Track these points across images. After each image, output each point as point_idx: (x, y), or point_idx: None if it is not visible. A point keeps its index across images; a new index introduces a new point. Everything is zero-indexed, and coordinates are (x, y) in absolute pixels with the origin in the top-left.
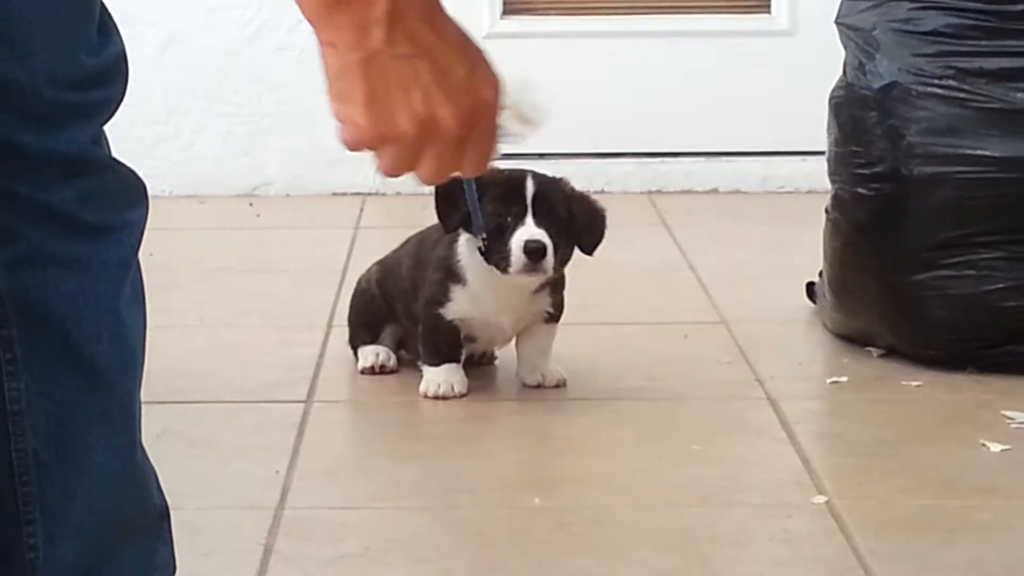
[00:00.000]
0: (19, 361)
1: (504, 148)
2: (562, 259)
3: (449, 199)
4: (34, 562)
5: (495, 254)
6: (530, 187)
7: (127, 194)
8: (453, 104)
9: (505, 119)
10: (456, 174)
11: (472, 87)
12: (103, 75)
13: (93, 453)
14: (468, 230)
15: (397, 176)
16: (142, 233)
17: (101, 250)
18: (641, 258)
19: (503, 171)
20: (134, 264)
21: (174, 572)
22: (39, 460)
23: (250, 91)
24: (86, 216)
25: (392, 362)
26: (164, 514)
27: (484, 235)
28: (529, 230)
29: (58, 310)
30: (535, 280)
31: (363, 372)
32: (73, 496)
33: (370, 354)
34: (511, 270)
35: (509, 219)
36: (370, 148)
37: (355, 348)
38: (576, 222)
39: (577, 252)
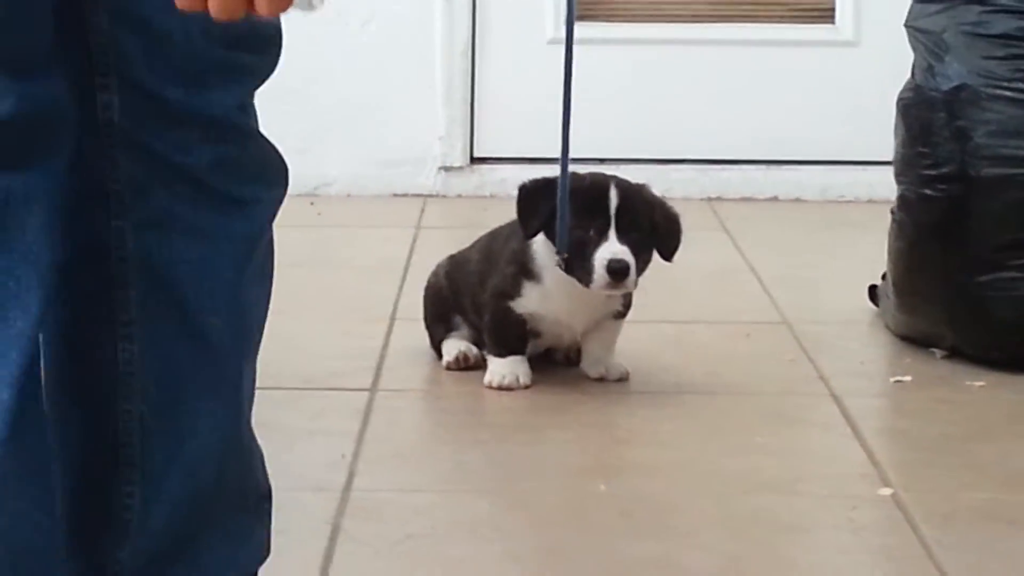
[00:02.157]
0: (135, 324)
1: None
2: (641, 270)
3: (531, 203)
4: (128, 524)
5: (576, 268)
6: (614, 198)
7: (265, 170)
8: None
9: None
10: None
11: None
12: (258, 40)
13: (197, 422)
14: (548, 236)
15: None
16: (275, 213)
17: (229, 222)
18: (702, 261)
19: (585, 177)
20: (263, 242)
21: (266, 555)
22: (143, 423)
23: (310, 90)
24: (218, 184)
25: (475, 354)
26: (266, 496)
27: (565, 253)
28: (612, 247)
29: (179, 278)
30: (616, 295)
31: (448, 368)
32: (172, 463)
33: (453, 348)
34: (593, 287)
35: (592, 232)
36: None
37: (436, 346)
38: (657, 231)
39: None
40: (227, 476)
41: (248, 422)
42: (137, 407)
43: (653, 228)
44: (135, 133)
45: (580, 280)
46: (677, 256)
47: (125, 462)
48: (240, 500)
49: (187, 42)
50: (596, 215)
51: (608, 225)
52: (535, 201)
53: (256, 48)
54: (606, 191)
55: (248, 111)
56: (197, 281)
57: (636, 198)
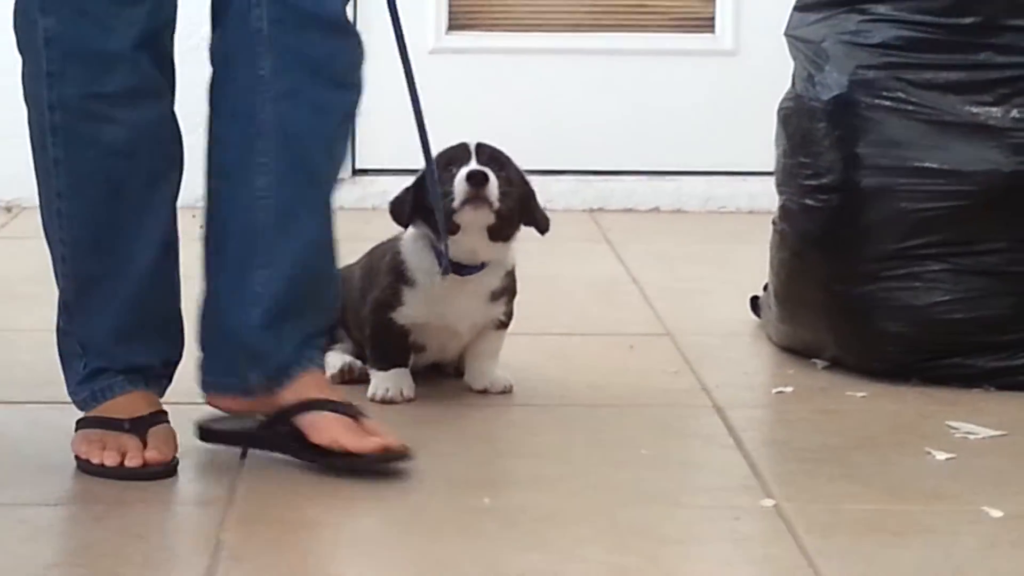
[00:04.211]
0: (270, 163)
1: None
2: (507, 208)
3: (400, 199)
4: (259, 294)
5: (447, 211)
6: (472, 146)
7: (359, 64)
8: None
9: None
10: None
11: None
12: None
13: (307, 228)
14: (426, 223)
15: None
16: (361, 95)
17: (336, 97)
18: (584, 273)
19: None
20: (353, 115)
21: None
22: (273, 228)
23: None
24: (332, 70)
25: (358, 367)
26: (333, 325)
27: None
28: (471, 166)
29: (301, 135)
30: (480, 222)
31: (332, 381)
32: (290, 254)
33: (336, 361)
34: (455, 203)
35: (454, 170)
36: None
37: None
38: (525, 192)
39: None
40: (320, 267)
41: (334, 234)
42: (269, 218)
43: (522, 182)
44: (276, 35)
45: (447, 211)
46: (557, 268)
47: (261, 251)
48: (319, 302)
49: None
50: (458, 161)
51: (469, 158)
52: (403, 196)
53: None
54: (466, 145)
55: (348, 13)
56: (313, 138)
57: (496, 150)
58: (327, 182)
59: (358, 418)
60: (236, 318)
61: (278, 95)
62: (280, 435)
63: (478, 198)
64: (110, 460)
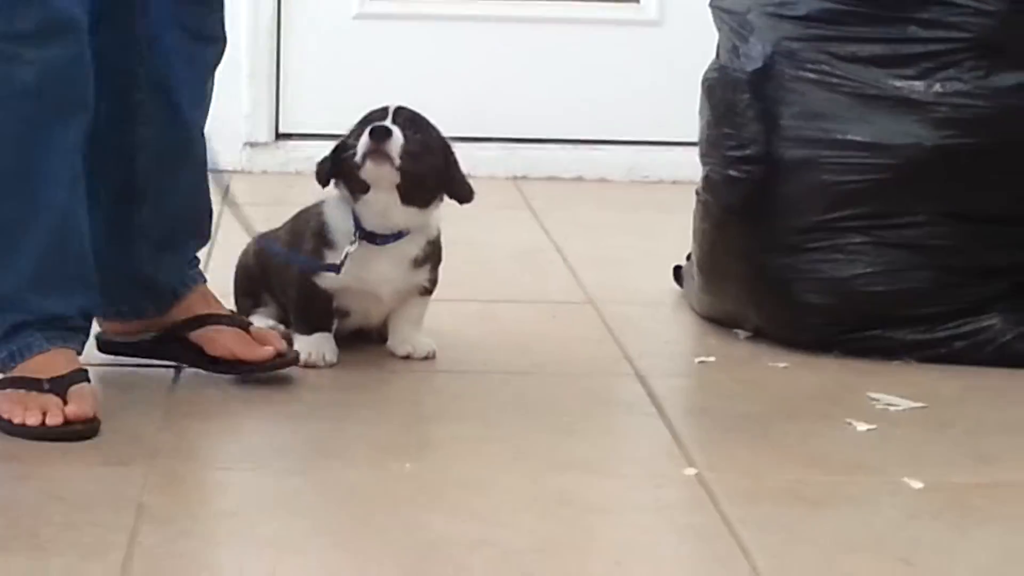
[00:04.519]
0: (147, 115)
1: None
2: (414, 168)
3: (323, 161)
4: (141, 228)
5: (353, 163)
6: (392, 107)
7: (223, 19)
8: None
9: None
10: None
11: None
12: None
13: (182, 174)
14: (344, 181)
15: None
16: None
17: (204, 51)
18: (507, 241)
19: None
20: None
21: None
22: (152, 176)
23: None
24: (202, 29)
25: (282, 331)
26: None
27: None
28: (379, 124)
29: (175, 86)
30: (384, 178)
31: None
32: (168, 195)
33: (261, 323)
34: (357, 157)
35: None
36: None
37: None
38: (446, 159)
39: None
40: (197, 204)
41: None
42: (148, 166)
43: (443, 147)
44: (155, 7)
45: (357, 170)
46: (481, 235)
47: (140, 196)
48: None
49: None
50: (372, 118)
51: (384, 117)
52: (325, 159)
53: None
54: (386, 108)
55: None
56: (186, 88)
57: (416, 114)
58: (201, 130)
59: (248, 329)
60: (125, 251)
61: (155, 55)
62: (177, 348)
63: (379, 152)
64: (31, 419)
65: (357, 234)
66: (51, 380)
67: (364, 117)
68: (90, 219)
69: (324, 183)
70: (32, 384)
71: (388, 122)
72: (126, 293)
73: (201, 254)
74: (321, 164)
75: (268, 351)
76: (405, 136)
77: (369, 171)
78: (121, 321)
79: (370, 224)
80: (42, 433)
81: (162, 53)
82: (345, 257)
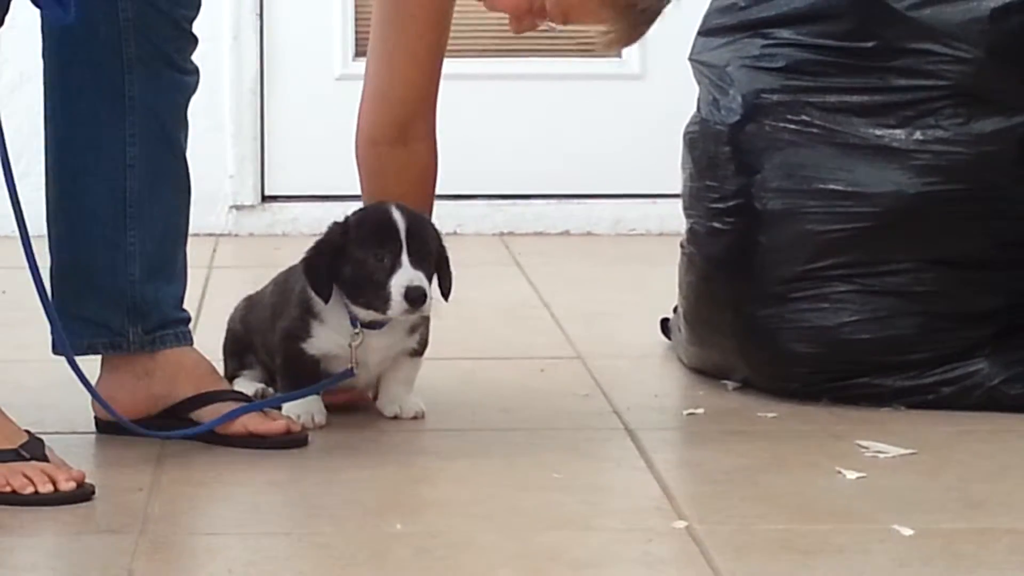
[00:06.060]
0: (138, 137)
1: None
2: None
3: (314, 268)
4: (132, 248)
5: (372, 298)
6: (401, 224)
7: (193, 55)
8: None
9: None
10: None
11: None
12: None
13: (167, 194)
14: (343, 290)
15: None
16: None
17: (185, 80)
18: (495, 297)
19: (366, 208)
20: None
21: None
22: (139, 194)
23: None
24: (181, 61)
25: (269, 393)
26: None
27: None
28: (408, 274)
29: (163, 112)
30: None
31: None
32: (157, 216)
33: (247, 388)
34: (391, 313)
35: (385, 259)
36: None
37: (231, 381)
38: (442, 260)
39: None
40: (181, 226)
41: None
42: (136, 185)
43: (440, 256)
44: (141, 27)
45: (376, 309)
46: (468, 292)
47: (131, 216)
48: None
49: None
50: (386, 242)
51: (400, 250)
52: (317, 263)
53: None
54: (392, 217)
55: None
56: (172, 113)
57: (422, 224)
58: (184, 153)
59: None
60: (115, 274)
61: (144, 78)
62: (185, 424)
63: (413, 312)
64: (40, 486)
65: (359, 326)
66: (23, 446)
67: (370, 230)
68: (65, 250)
69: (326, 299)
70: (9, 455)
71: (407, 261)
72: (111, 321)
73: (190, 309)
74: (315, 274)
75: (280, 425)
76: (411, 256)
77: (398, 315)
78: (96, 353)
79: (368, 318)
80: (38, 500)
81: (155, 78)
82: (353, 352)
